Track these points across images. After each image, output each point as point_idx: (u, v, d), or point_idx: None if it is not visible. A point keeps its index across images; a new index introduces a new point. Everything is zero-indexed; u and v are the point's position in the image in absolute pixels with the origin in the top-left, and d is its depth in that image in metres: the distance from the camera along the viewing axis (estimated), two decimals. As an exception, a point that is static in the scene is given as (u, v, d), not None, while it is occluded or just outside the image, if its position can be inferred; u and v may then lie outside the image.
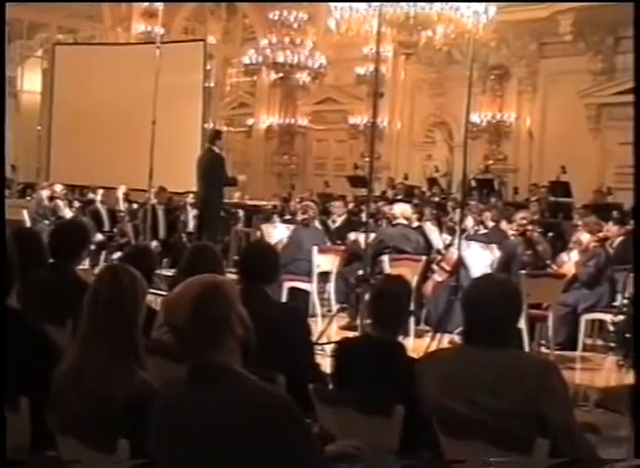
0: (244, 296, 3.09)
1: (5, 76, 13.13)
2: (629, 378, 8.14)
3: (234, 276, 5.41)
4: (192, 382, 2.88)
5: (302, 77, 24.14)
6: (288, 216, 15.62)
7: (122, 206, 16.79)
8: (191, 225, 15.55)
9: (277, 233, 12.86)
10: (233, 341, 2.92)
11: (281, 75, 24.27)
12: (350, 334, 6.25)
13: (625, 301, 8.78)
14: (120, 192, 17.07)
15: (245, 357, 2.98)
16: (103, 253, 14.46)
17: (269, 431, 2.72)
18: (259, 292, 4.73)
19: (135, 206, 17.02)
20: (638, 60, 8.04)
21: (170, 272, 11.03)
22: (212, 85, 25.71)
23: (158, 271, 10.03)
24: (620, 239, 12.09)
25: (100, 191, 16.64)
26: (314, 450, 2.86)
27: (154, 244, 13.94)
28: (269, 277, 4.95)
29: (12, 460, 3.39)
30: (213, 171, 12.47)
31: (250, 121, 27.79)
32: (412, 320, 10.01)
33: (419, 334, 10.18)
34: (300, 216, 12.30)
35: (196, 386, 2.86)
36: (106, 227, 15.73)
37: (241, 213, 17.10)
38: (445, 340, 8.88)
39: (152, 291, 7.39)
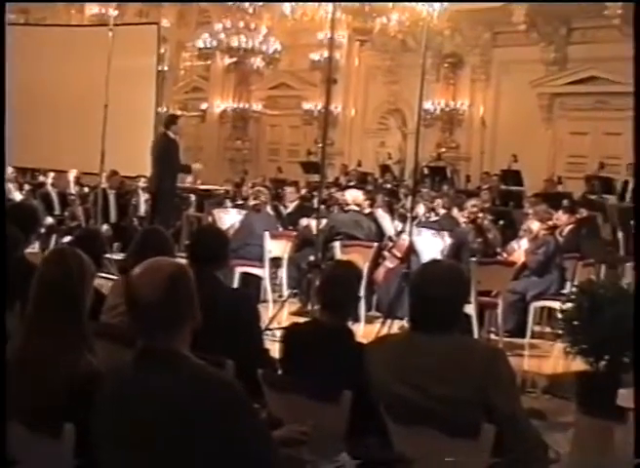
0: (194, 281, 3.08)
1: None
2: (576, 365, 8.25)
3: (185, 261, 5.39)
4: (141, 366, 2.87)
5: (257, 62, 24.06)
6: (240, 202, 15.58)
7: (73, 189, 16.65)
8: (143, 209, 15.46)
9: (229, 218, 12.83)
10: (189, 326, 2.92)
11: (235, 60, 24.18)
12: (301, 320, 6.25)
13: (574, 289, 8.86)
14: (71, 175, 16.93)
15: (193, 341, 2.97)
16: (54, 237, 14.33)
17: (216, 415, 2.72)
18: (209, 276, 4.71)
19: (86, 189, 16.88)
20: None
21: (120, 256, 10.98)
22: (165, 69, 25.49)
23: (108, 255, 10.00)
24: (570, 227, 12.22)
25: (51, 174, 16.49)
26: (261, 435, 2.86)
27: (105, 228, 13.86)
28: (219, 261, 4.93)
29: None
30: (167, 156, 12.42)
31: (203, 105, 27.65)
32: (362, 306, 10.05)
33: (369, 320, 10.22)
34: (251, 202, 12.28)
35: (145, 370, 2.84)
36: (57, 211, 15.60)
37: (193, 197, 17.03)
38: (395, 326, 8.92)
39: (102, 274, 7.38)
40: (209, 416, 2.72)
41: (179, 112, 26.80)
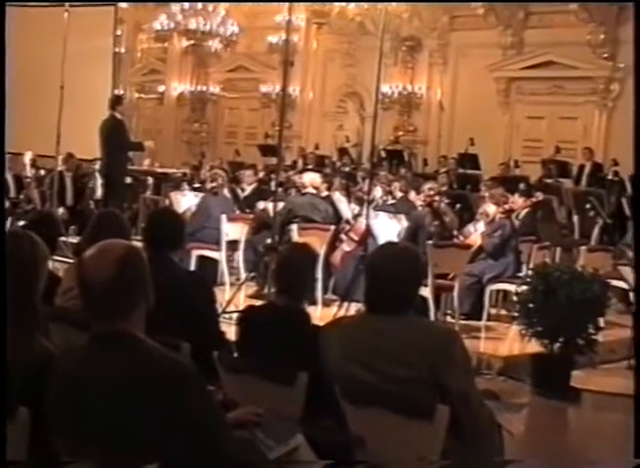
0: (149, 264, 3.07)
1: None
2: (531, 347, 8.34)
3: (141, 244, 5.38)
4: (95, 348, 2.86)
5: (214, 44, 23.94)
6: (197, 185, 15.54)
7: (29, 172, 16.52)
8: (99, 192, 15.36)
9: (186, 201, 12.77)
10: (142, 308, 2.92)
11: (193, 42, 24.04)
12: (258, 303, 6.27)
13: (530, 272, 8.94)
14: (27, 158, 16.78)
15: (149, 324, 2.97)
16: (9, 220, 14.21)
17: (169, 398, 2.72)
18: (164, 259, 4.70)
19: (42, 172, 16.75)
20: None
21: (76, 239, 10.94)
22: (122, 50, 25.29)
23: (64, 238, 9.94)
24: (526, 211, 12.32)
25: (7, 157, 16.33)
26: (214, 417, 2.87)
27: (61, 211, 13.77)
28: (174, 244, 4.91)
29: None
30: (115, 136, 12.40)
31: (161, 88, 27.49)
32: (320, 289, 10.08)
33: (327, 303, 10.24)
34: (209, 185, 12.25)
35: (98, 352, 2.84)
36: (12, 194, 15.47)
37: (150, 180, 16.94)
38: (352, 309, 8.94)
39: (57, 258, 7.33)
40: (162, 399, 2.72)
41: (135, 95, 26.67)
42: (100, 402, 2.78)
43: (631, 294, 10.20)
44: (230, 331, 4.95)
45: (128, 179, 14.49)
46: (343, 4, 20.48)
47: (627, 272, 9.90)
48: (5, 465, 3.15)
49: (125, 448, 2.77)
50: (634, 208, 10.83)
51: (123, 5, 23.44)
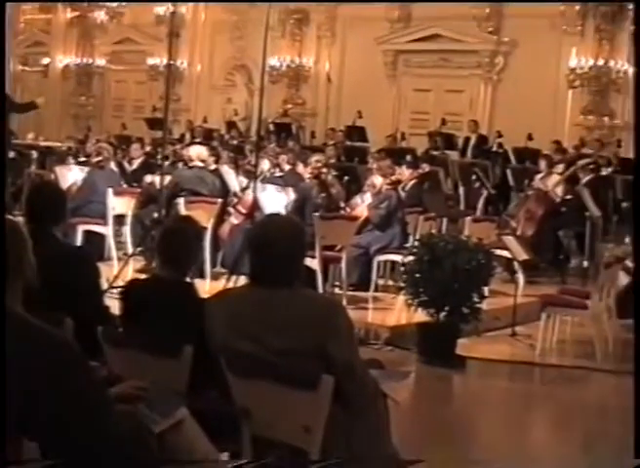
0: (30, 239, 3.02)
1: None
2: (419, 317, 8.48)
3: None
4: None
5: (100, 16, 23.57)
6: (83, 159, 15.29)
7: None
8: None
9: (72, 175, 12.57)
10: (20, 284, 2.87)
11: (78, 13, 23.64)
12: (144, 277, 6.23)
13: (416, 243, 9.07)
14: None
15: (30, 299, 2.92)
16: None
17: (48, 372, 2.69)
18: (45, 234, 4.63)
19: None
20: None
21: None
22: (4, 21, 24.70)
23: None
24: (412, 182, 12.46)
25: None
26: (95, 392, 2.84)
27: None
28: (56, 218, 4.85)
29: None
30: None
31: (45, 60, 26.92)
32: (208, 262, 10.07)
33: (215, 277, 10.24)
34: (94, 159, 12.09)
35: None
36: None
37: (35, 154, 16.61)
38: (241, 282, 8.94)
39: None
40: (41, 373, 2.69)
41: (19, 67, 26.09)
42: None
43: (515, 263, 10.46)
44: (117, 307, 4.91)
45: (11, 154, 14.20)
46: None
47: (511, 241, 10.12)
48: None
49: (5, 425, 2.73)
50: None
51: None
